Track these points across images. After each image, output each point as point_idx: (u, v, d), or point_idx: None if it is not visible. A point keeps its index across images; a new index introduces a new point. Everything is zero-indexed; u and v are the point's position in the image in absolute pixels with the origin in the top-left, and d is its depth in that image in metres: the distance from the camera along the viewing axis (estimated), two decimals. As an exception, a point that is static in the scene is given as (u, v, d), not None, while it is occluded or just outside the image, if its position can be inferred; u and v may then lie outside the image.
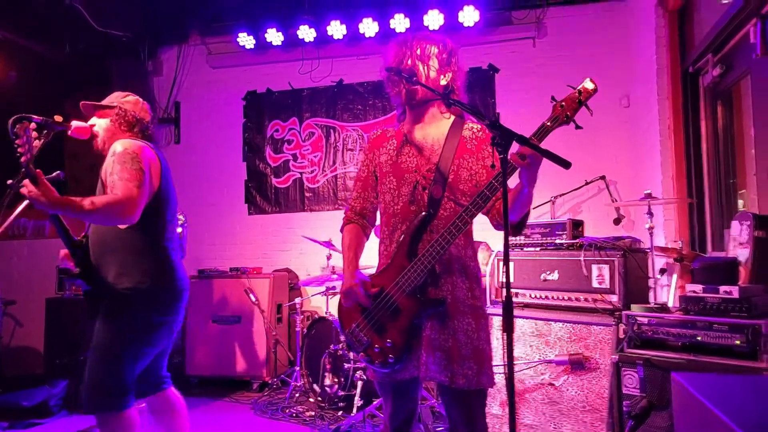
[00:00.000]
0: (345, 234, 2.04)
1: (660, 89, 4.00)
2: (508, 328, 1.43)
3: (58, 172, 2.44)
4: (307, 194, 5.70)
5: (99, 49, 5.61)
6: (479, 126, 1.96)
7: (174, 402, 2.61)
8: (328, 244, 4.61)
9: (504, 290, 1.43)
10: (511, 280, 3.13)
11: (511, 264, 3.15)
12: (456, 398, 1.84)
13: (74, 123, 2.41)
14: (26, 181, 2.07)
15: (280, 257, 5.67)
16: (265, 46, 5.57)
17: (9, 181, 2.19)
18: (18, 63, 5.37)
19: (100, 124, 2.50)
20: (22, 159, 2.09)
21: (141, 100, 2.62)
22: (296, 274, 5.53)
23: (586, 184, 4.74)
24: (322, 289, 4.60)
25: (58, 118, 2.29)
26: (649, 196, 3.14)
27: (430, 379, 1.81)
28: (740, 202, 3.50)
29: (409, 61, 1.89)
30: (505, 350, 1.44)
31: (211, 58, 5.90)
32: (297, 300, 4.61)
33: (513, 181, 1.58)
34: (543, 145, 1.55)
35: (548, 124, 1.64)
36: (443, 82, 1.92)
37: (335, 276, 4.44)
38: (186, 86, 6.01)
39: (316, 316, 4.76)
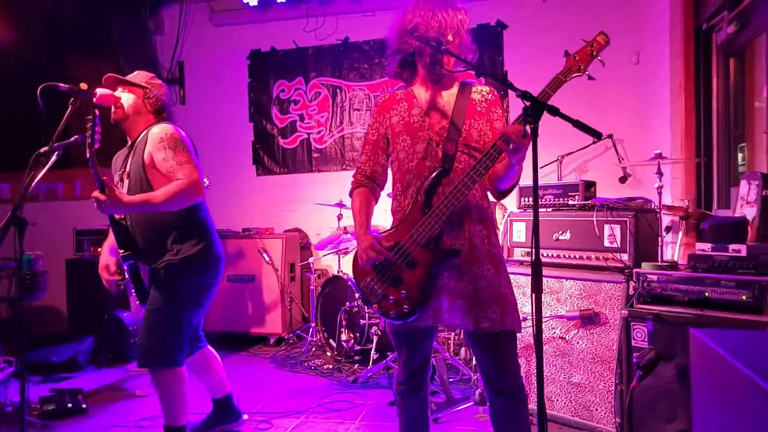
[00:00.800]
0: (355, 197, 2.09)
1: (672, 46, 3.99)
2: (537, 288, 1.52)
3: (77, 137, 2.49)
4: (314, 155, 5.74)
5: (100, 7, 5.54)
6: (488, 89, 2.03)
7: (211, 358, 2.82)
8: (340, 205, 4.69)
9: (533, 253, 1.51)
10: (523, 240, 3.22)
11: (524, 224, 3.24)
12: (483, 343, 1.93)
13: (99, 90, 2.45)
14: (96, 193, 2.24)
15: (289, 217, 5.75)
16: (268, 3, 5.49)
17: (43, 149, 2.29)
18: (20, 21, 5.31)
19: (126, 98, 2.58)
20: (95, 146, 2.24)
21: (163, 84, 2.73)
22: (306, 233, 5.63)
23: (594, 143, 4.77)
24: (334, 249, 4.71)
25: (83, 86, 2.34)
26: (659, 156, 3.19)
27: (454, 326, 1.91)
28: (739, 156, 3.55)
29: (436, 26, 1.90)
30: (534, 309, 1.54)
31: (214, 16, 5.82)
32: (311, 259, 4.73)
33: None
34: (555, 97, 1.63)
35: (561, 76, 1.71)
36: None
37: (348, 236, 4.53)
38: (189, 45, 5.95)
39: (330, 274, 4.88)
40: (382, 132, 2.07)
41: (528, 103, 1.49)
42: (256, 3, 5.48)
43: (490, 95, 2.02)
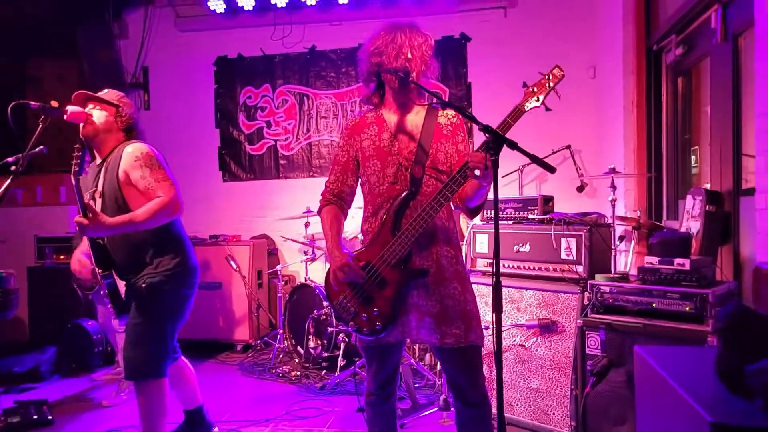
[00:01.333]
0: (324, 215, 2.16)
1: (626, 64, 4.21)
2: (497, 308, 1.64)
3: (42, 147, 2.52)
4: (281, 161, 5.79)
5: (63, 9, 5.46)
6: (453, 113, 2.14)
7: (185, 369, 2.87)
8: (308, 212, 4.76)
9: (493, 277, 1.63)
10: (485, 251, 3.36)
11: (487, 236, 3.38)
12: (449, 357, 2.05)
13: (70, 108, 2.47)
14: (79, 217, 2.27)
15: (257, 223, 5.78)
16: (236, 10, 5.52)
17: (9, 159, 2.40)
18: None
19: (98, 115, 2.60)
20: (78, 197, 2.29)
21: (132, 103, 2.76)
22: (273, 240, 5.67)
23: (553, 153, 4.97)
24: (302, 257, 4.78)
25: (54, 104, 2.38)
26: (613, 170, 3.37)
27: (421, 342, 2.02)
28: (692, 158, 3.76)
29: (408, 55, 2.01)
30: (494, 326, 1.66)
31: (180, 21, 5.81)
32: (278, 267, 4.78)
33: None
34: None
35: (521, 107, 1.83)
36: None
37: (316, 245, 4.60)
38: (154, 50, 5.92)
39: (297, 281, 4.94)
40: (353, 154, 2.15)
41: (490, 137, 1.60)
42: (222, 10, 5.50)
43: (455, 119, 2.13)
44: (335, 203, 2.18)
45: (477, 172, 1.73)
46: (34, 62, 6.68)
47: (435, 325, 2.00)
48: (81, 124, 2.59)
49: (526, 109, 1.85)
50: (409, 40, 2.04)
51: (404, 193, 2.01)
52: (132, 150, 2.52)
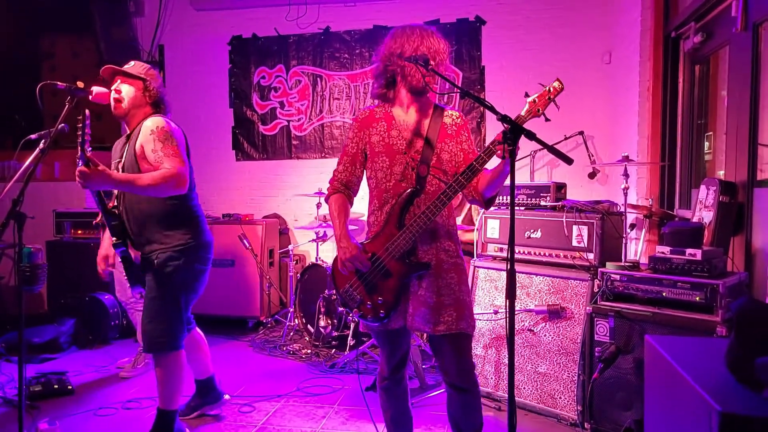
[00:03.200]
0: (332, 202, 2.23)
1: (642, 50, 4.18)
2: (511, 294, 1.68)
3: (63, 125, 2.57)
4: (294, 142, 5.81)
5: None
6: (458, 113, 2.22)
7: (199, 340, 3.02)
8: (320, 193, 4.80)
9: (508, 264, 1.66)
10: (496, 236, 3.40)
11: (498, 222, 3.41)
12: (440, 344, 2.15)
13: (95, 88, 2.51)
14: (81, 167, 2.34)
15: (268, 203, 5.84)
16: (251, -10, 5.52)
17: (32, 136, 2.47)
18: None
19: (126, 90, 2.65)
20: (86, 146, 2.36)
21: (159, 75, 2.79)
22: (285, 219, 5.73)
23: (565, 138, 4.97)
24: (313, 236, 4.83)
25: (80, 84, 2.41)
26: (626, 158, 3.38)
27: (416, 330, 2.14)
28: (706, 144, 3.76)
29: (425, 52, 2.06)
30: (508, 314, 1.71)
31: (196, 0, 5.80)
32: (290, 246, 4.85)
33: (493, 162, 1.88)
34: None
35: (523, 115, 1.88)
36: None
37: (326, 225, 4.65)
38: (170, 29, 5.93)
39: (308, 261, 5.00)
40: (361, 147, 2.22)
41: (507, 127, 1.62)
42: (238, -11, 5.49)
43: (459, 119, 2.21)
44: (343, 192, 2.24)
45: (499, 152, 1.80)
46: (48, 39, 6.72)
47: (429, 315, 2.09)
48: (112, 102, 2.64)
49: (528, 119, 1.89)
50: (429, 37, 2.10)
51: (410, 190, 2.09)
52: (150, 124, 2.57)
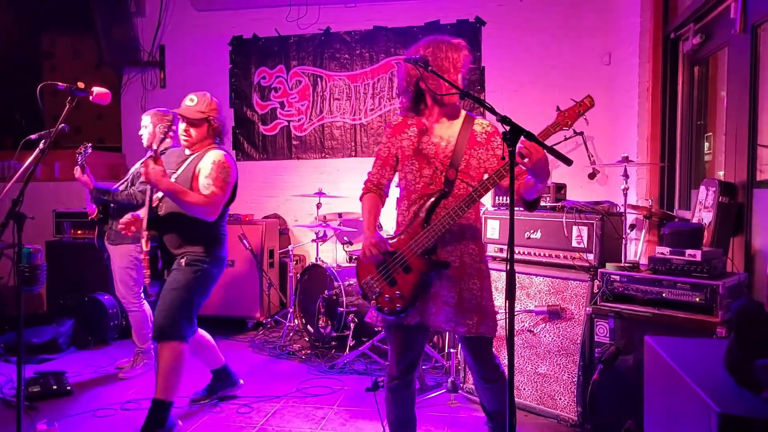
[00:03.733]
0: (365, 201, 2.35)
1: (642, 52, 4.18)
2: (510, 295, 1.68)
3: (63, 125, 2.57)
4: (294, 142, 5.82)
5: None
6: (488, 122, 2.30)
7: (203, 338, 3.21)
8: (320, 194, 4.80)
9: (507, 264, 1.66)
10: (496, 237, 3.40)
11: (498, 222, 3.41)
12: (464, 342, 2.29)
13: (95, 89, 2.51)
14: (151, 161, 2.74)
15: (268, 203, 5.84)
16: (251, -10, 5.52)
17: (32, 136, 2.48)
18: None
19: (194, 133, 3.01)
20: (154, 145, 2.84)
21: (219, 105, 3.14)
22: (285, 219, 5.73)
23: (565, 139, 4.95)
24: (313, 236, 4.83)
25: (81, 84, 2.41)
26: (626, 159, 3.38)
27: (437, 328, 2.21)
28: (705, 145, 3.75)
29: (450, 67, 2.17)
30: (507, 313, 1.71)
31: (197, 0, 5.81)
32: (290, 247, 4.84)
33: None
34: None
35: (551, 128, 1.96)
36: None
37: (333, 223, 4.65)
38: (170, 29, 5.94)
39: (307, 261, 5.00)
40: (393, 152, 2.34)
41: (507, 128, 1.62)
42: (238, -11, 5.49)
43: (489, 128, 2.29)
44: (375, 192, 2.36)
45: (525, 160, 1.86)
46: (48, 38, 6.72)
47: (451, 315, 2.17)
48: (184, 139, 3.02)
49: (556, 131, 1.97)
50: (453, 51, 2.20)
51: (437, 193, 2.18)
52: (214, 156, 2.95)
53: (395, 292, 2.17)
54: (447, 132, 2.25)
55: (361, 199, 2.37)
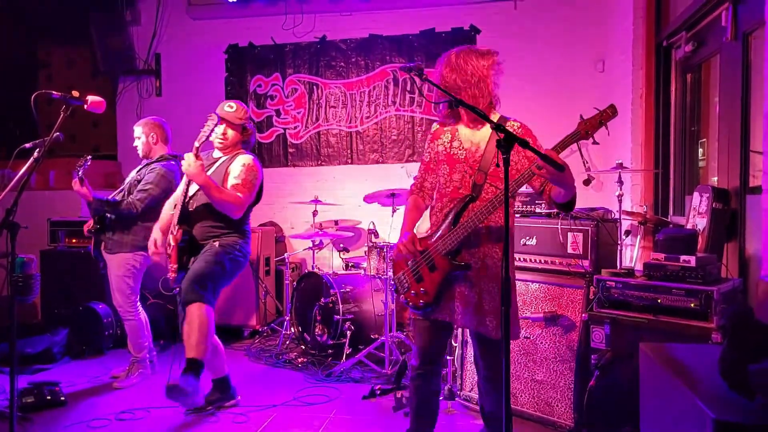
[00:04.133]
0: (408, 202, 2.53)
1: (635, 59, 4.21)
2: (506, 302, 1.69)
3: (58, 133, 2.57)
4: (290, 150, 5.82)
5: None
6: (518, 124, 2.35)
7: (217, 344, 3.31)
8: (316, 201, 4.80)
9: (502, 272, 1.67)
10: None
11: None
12: (481, 343, 2.40)
13: (90, 98, 2.52)
14: (193, 156, 3.01)
15: (264, 211, 5.82)
16: (247, -1, 5.54)
17: (27, 145, 2.51)
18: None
19: (230, 135, 3.33)
20: (197, 143, 3.11)
21: (249, 114, 3.50)
22: (281, 227, 5.73)
23: (561, 146, 4.98)
24: (309, 244, 4.83)
25: (75, 93, 2.41)
26: (620, 166, 3.40)
27: (461, 325, 2.34)
28: (700, 151, 3.78)
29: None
30: (502, 320, 1.71)
31: (192, 9, 5.83)
32: (286, 254, 4.84)
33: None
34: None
35: (569, 139, 2.05)
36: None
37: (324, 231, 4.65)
38: (166, 38, 5.95)
39: (304, 269, 4.99)
40: (433, 156, 2.47)
41: (501, 135, 1.63)
42: (234, -1, 5.52)
43: (519, 129, 2.34)
44: (417, 194, 2.52)
45: (542, 170, 1.92)
46: (44, 48, 6.73)
47: (473, 314, 2.29)
48: (219, 141, 3.31)
49: (575, 141, 2.06)
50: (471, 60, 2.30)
51: (466, 196, 2.28)
52: (245, 160, 3.29)
53: (420, 289, 2.32)
54: (477, 137, 2.34)
55: (406, 201, 2.55)
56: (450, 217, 2.29)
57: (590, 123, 1.99)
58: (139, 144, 3.85)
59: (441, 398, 3.35)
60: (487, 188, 2.28)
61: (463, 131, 2.39)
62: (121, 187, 3.84)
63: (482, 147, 2.31)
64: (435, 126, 2.52)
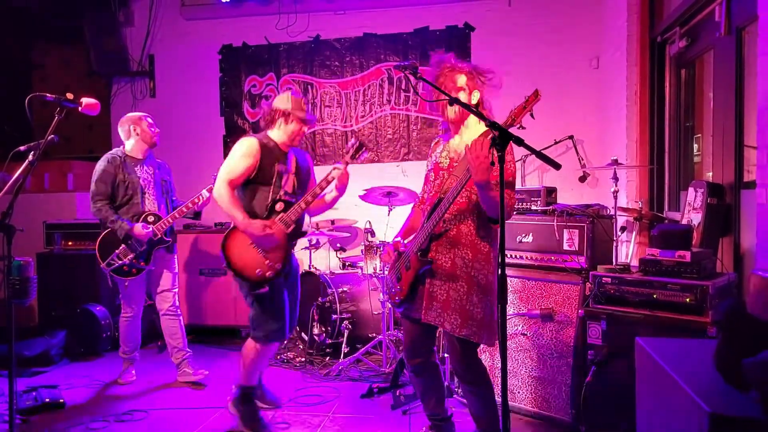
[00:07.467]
0: (411, 213, 2.71)
1: (629, 55, 4.22)
2: (502, 299, 1.69)
3: (53, 136, 2.57)
4: (286, 149, 5.80)
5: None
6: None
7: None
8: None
9: (498, 269, 1.67)
10: (489, 240, 3.40)
11: (490, 226, 3.42)
12: (449, 340, 2.48)
13: (84, 100, 2.51)
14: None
15: (261, 211, 5.81)
16: (240, -1, 5.53)
17: (21, 147, 2.49)
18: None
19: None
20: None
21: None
22: (277, 227, 5.71)
23: (555, 143, 4.99)
24: (306, 244, 4.83)
25: (70, 96, 2.40)
26: (615, 162, 3.41)
27: (428, 322, 2.38)
28: (695, 147, 3.79)
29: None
30: (500, 318, 1.72)
31: (185, 10, 5.80)
32: (282, 255, 4.82)
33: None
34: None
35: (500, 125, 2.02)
36: (474, 101, 2.48)
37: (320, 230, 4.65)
38: (159, 38, 5.92)
39: (301, 270, 4.97)
40: (429, 169, 2.61)
41: (497, 133, 1.64)
42: (228, -1, 5.51)
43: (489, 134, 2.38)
44: (418, 207, 2.69)
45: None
46: (38, 48, 6.70)
47: (440, 311, 2.39)
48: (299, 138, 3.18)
49: (515, 124, 2.05)
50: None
51: (437, 198, 2.39)
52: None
53: (398, 287, 2.52)
54: (460, 146, 2.44)
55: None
56: (423, 220, 2.47)
57: (516, 111, 2.02)
58: (138, 139, 3.99)
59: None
60: (462, 192, 2.35)
61: (453, 142, 2.51)
62: (161, 187, 3.99)
63: (462, 153, 2.40)
64: (435, 140, 2.68)
